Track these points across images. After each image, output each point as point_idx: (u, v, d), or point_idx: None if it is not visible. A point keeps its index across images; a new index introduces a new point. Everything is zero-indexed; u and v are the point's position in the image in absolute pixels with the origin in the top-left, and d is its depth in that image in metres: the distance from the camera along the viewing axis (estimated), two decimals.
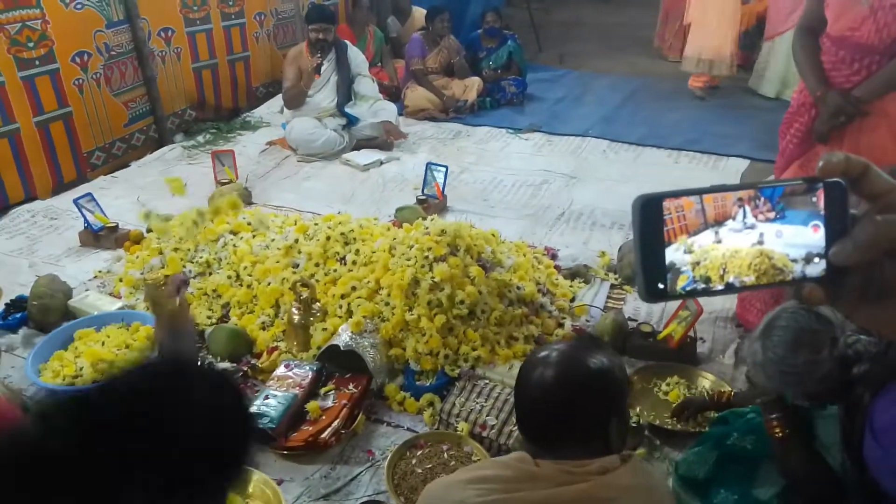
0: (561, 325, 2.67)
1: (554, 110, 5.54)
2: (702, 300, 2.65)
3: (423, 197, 3.72)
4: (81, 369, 2.27)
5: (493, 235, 2.96)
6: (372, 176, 4.28)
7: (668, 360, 2.45)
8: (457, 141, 4.91)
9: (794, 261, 0.59)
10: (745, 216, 0.59)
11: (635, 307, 2.86)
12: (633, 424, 2.09)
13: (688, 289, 0.59)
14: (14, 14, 3.63)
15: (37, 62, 3.79)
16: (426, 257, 2.52)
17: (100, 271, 3.12)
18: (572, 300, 2.86)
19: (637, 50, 7.39)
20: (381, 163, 4.41)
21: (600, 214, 3.71)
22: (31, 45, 3.74)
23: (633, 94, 5.96)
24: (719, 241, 0.58)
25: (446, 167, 3.77)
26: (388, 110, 4.76)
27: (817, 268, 0.58)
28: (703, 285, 0.58)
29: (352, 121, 4.64)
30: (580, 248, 3.34)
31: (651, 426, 2.17)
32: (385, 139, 4.67)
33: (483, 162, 4.51)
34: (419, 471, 2.00)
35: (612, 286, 2.99)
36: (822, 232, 0.58)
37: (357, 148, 4.61)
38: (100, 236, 3.34)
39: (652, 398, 2.32)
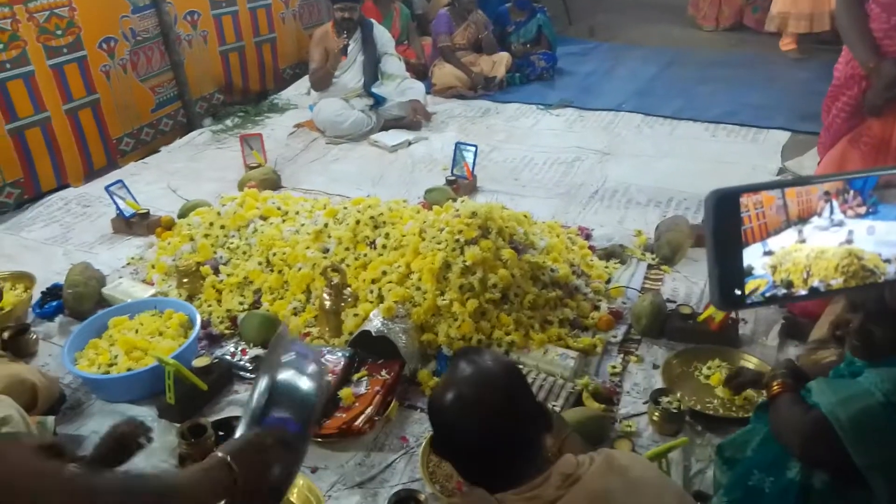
0: (597, 308, 2.60)
1: (585, 84, 5.40)
2: None
3: (453, 177, 3.66)
4: (116, 357, 2.28)
5: (526, 217, 2.90)
6: (400, 157, 4.23)
7: (708, 342, 2.37)
8: (486, 119, 4.82)
9: (888, 261, 0.52)
10: (832, 212, 0.52)
11: (673, 287, 2.78)
12: (674, 410, 2.03)
13: (767, 294, 0.52)
14: (43, 2, 3.64)
15: (65, 50, 3.80)
16: (457, 240, 2.47)
17: (132, 258, 3.14)
18: (608, 282, 2.78)
19: (670, 19, 7.17)
20: (410, 143, 4.36)
21: (635, 191, 3.61)
22: (59, 32, 3.75)
23: (668, 65, 5.79)
24: (803, 241, 0.51)
25: (475, 146, 3.69)
26: (416, 89, 4.68)
27: None
28: (784, 290, 0.51)
29: (379, 101, 4.58)
30: (615, 227, 3.25)
31: (692, 412, 2.10)
32: (413, 118, 4.60)
33: (513, 140, 4.42)
34: None
35: (650, 266, 2.91)
36: None
37: (385, 128, 4.56)
38: (132, 223, 3.35)
39: (693, 382, 2.25)
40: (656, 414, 2.05)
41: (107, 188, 3.36)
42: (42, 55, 3.68)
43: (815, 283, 0.53)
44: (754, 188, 0.52)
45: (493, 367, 1.25)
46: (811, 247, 0.52)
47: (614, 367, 2.34)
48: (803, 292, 0.52)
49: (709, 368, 2.28)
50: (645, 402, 2.15)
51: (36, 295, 2.79)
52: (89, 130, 4.00)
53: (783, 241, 0.52)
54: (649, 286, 2.79)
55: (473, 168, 3.70)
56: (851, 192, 0.52)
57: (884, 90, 2.04)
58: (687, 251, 2.94)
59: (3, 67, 3.51)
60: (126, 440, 1.50)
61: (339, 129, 4.45)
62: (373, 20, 4.72)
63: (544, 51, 5.62)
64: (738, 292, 0.52)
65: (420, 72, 5.45)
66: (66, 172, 3.90)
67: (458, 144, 3.73)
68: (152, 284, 2.84)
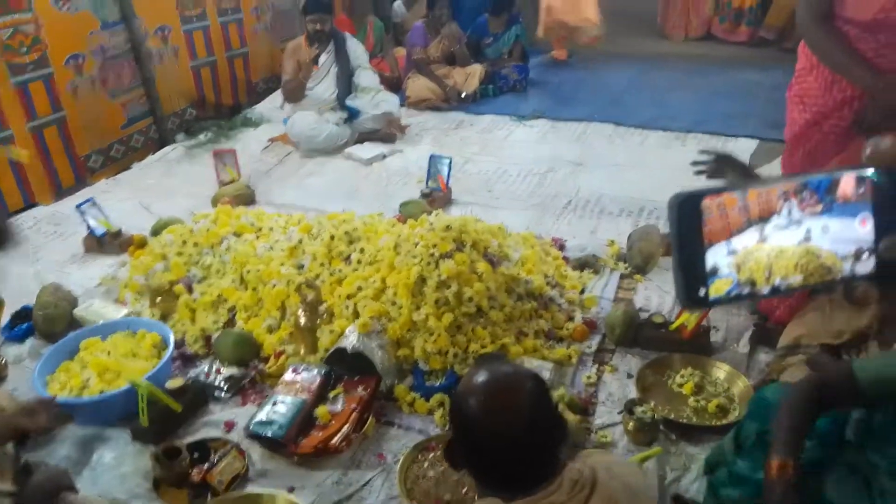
0: (571, 318, 2.63)
1: (557, 95, 5.47)
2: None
3: (428, 190, 3.68)
4: (88, 380, 2.25)
5: (500, 229, 2.92)
6: (375, 170, 4.23)
7: (681, 350, 2.40)
8: (460, 130, 4.86)
9: (844, 258, 0.54)
10: (790, 211, 0.54)
11: (646, 297, 2.81)
12: (648, 420, 2.05)
13: (732, 294, 0.54)
14: (5, 19, 3.59)
15: (30, 67, 3.75)
16: (432, 254, 2.48)
17: (105, 278, 3.10)
18: (582, 292, 2.81)
19: (640, 31, 7.28)
20: (384, 156, 4.37)
21: (608, 201, 3.65)
22: (23, 50, 3.70)
23: (638, 75, 5.88)
24: (764, 240, 0.53)
25: (450, 159, 3.71)
26: (390, 102, 4.70)
27: (867, 265, 0.53)
28: (748, 289, 0.53)
29: (353, 114, 4.59)
30: (588, 237, 3.29)
31: (666, 421, 2.12)
32: (387, 131, 4.62)
33: (487, 151, 4.45)
34: (431, 474, 1.97)
35: (622, 276, 2.94)
36: (870, 225, 0.53)
37: (359, 141, 4.56)
38: (103, 242, 3.31)
39: (666, 391, 2.28)
40: (631, 424, 2.07)
41: (78, 207, 3.32)
42: (6, 73, 3.63)
43: (776, 281, 0.55)
44: (717, 190, 0.54)
45: (520, 373, 1.27)
46: (772, 246, 0.54)
47: (589, 377, 2.36)
48: (766, 290, 0.55)
49: (681, 377, 2.31)
50: (620, 412, 2.17)
51: (5, 317, 2.74)
52: (55, 148, 3.95)
53: (746, 241, 0.54)
54: (622, 296, 2.82)
55: (448, 180, 3.72)
56: (809, 191, 0.54)
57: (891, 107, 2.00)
58: (658, 260, 2.97)
59: None
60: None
61: (313, 142, 4.44)
62: (346, 33, 4.73)
63: (516, 63, 5.68)
64: (702, 292, 0.54)
65: (394, 84, 5.48)
66: (32, 191, 3.85)
67: (432, 157, 3.75)
68: (125, 304, 2.81)
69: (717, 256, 0.51)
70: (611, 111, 4.99)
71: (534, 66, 5.89)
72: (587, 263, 2.98)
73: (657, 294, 2.82)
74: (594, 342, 2.53)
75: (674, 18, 6.98)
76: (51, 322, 2.65)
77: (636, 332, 2.50)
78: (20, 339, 2.67)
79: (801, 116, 2.27)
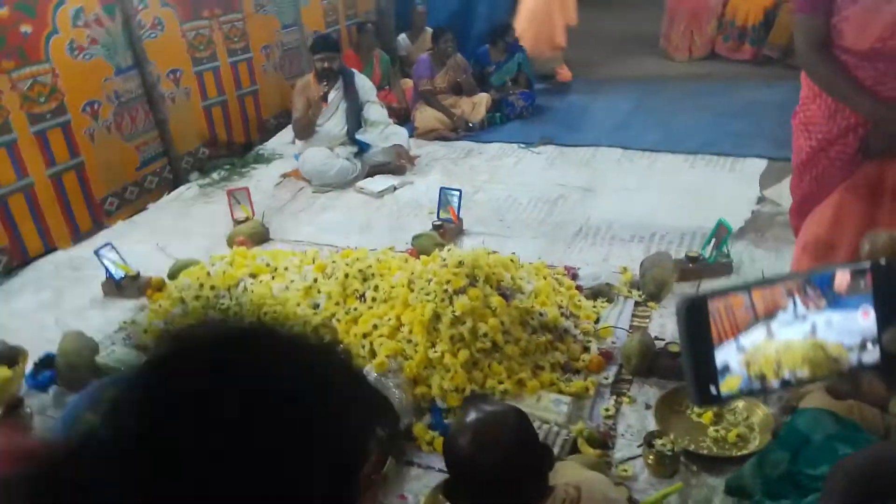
0: (587, 350, 2.63)
1: (565, 121, 5.51)
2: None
3: (439, 222, 3.71)
4: None
5: (512, 260, 2.93)
6: (387, 203, 4.28)
7: None
8: (469, 159, 4.90)
9: (850, 349, 0.56)
10: (795, 307, 0.56)
11: (661, 324, 2.82)
12: (668, 452, 2.05)
13: (744, 389, 0.56)
14: (25, 71, 3.69)
15: (48, 116, 3.84)
16: (445, 290, 2.51)
17: (124, 322, 3.14)
18: (596, 321, 2.82)
19: (643, 52, 7.35)
20: (395, 188, 4.41)
21: (619, 227, 3.67)
22: (42, 99, 3.80)
23: (644, 98, 5.92)
24: (771, 336, 0.55)
25: (460, 191, 3.75)
26: (399, 134, 4.76)
27: (873, 354, 0.55)
28: (758, 384, 0.55)
29: (363, 148, 4.65)
30: (600, 264, 3.30)
31: (686, 452, 2.12)
32: (397, 163, 4.67)
33: (496, 180, 4.49)
34: None
35: (636, 303, 2.95)
36: (872, 316, 0.55)
37: (370, 174, 4.62)
38: (122, 286, 3.36)
39: (685, 421, 2.28)
40: (651, 457, 2.07)
41: (96, 252, 3.38)
42: (25, 122, 3.72)
43: (785, 374, 0.57)
44: (722, 292, 0.56)
45: (503, 410, 1.44)
46: (779, 341, 0.56)
47: (607, 409, 2.37)
48: (776, 384, 0.57)
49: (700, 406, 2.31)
50: (639, 445, 2.17)
51: (28, 366, 2.79)
52: (73, 193, 4.03)
53: (754, 338, 0.56)
54: (637, 324, 2.83)
55: (459, 211, 3.75)
56: (812, 287, 0.56)
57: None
58: (672, 287, 2.98)
59: None
60: None
61: (325, 177, 4.50)
62: (354, 70, 4.81)
63: (523, 90, 5.74)
64: (713, 390, 0.57)
65: (402, 116, 5.55)
66: (51, 236, 3.92)
67: (442, 189, 3.79)
68: (145, 350, 2.85)
69: (726, 354, 0.54)
70: (618, 135, 5.02)
71: (539, 93, 5.95)
72: (601, 292, 2.99)
73: (672, 321, 2.82)
74: (611, 373, 2.53)
75: (677, 39, 7.03)
76: (74, 370, 2.69)
77: (652, 362, 2.50)
78: (44, 387, 2.71)
79: (806, 143, 2.28)
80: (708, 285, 3.02)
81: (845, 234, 2.25)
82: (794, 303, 0.56)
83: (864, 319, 0.56)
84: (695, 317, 0.55)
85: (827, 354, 0.56)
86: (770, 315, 0.55)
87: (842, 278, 0.56)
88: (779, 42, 6.45)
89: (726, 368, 0.55)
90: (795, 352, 0.55)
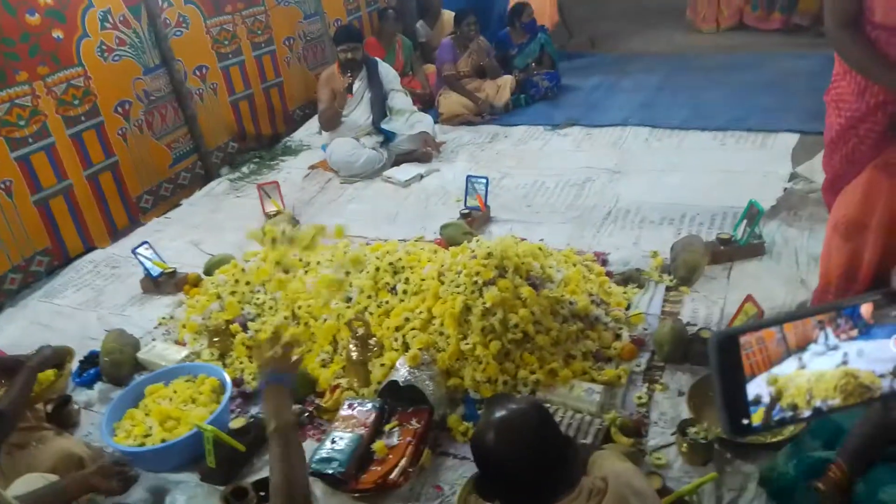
0: (618, 337, 2.64)
1: (590, 101, 5.45)
2: (763, 294, 2.58)
3: (467, 210, 3.72)
4: (150, 428, 2.35)
5: (541, 249, 2.94)
6: (414, 191, 4.30)
7: None
8: (495, 144, 4.89)
9: (882, 376, 0.57)
10: (826, 338, 0.57)
11: (693, 309, 2.80)
12: (702, 440, 2.05)
13: (776, 419, 0.57)
14: (59, 75, 3.78)
15: (83, 118, 3.93)
16: (475, 282, 2.53)
17: (163, 318, 3.23)
18: (627, 308, 2.82)
19: (669, 24, 7.20)
20: (422, 177, 4.43)
21: (648, 210, 3.64)
22: (76, 102, 3.88)
23: (671, 73, 5.82)
24: (803, 367, 0.56)
25: (486, 178, 3.75)
26: (425, 122, 4.76)
27: None
28: (790, 413, 0.57)
29: (389, 137, 4.67)
30: (630, 249, 3.29)
31: (720, 440, 2.12)
32: (423, 150, 4.68)
33: (523, 164, 4.47)
34: None
35: (668, 288, 2.94)
36: None
37: (397, 163, 4.64)
38: (159, 282, 3.45)
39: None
40: (685, 445, 2.08)
41: (133, 251, 3.47)
42: (62, 126, 3.82)
43: (817, 403, 0.58)
44: (754, 327, 0.57)
45: (524, 408, 1.46)
46: (811, 371, 0.57)
47: (640, 397, 2.38)
48: (807, 413, 0.58)
49: None
50: (673, 433, 2.18)
51: (74, 364, 2.89)
52: (109, 192, 4.13)
53: (786, 369, 0.57)
54: (669, 309, 2.82)
55: (486, 199, 3.76)
56: (843, 318, 0.57)
57: None
58: (704, 270, 2.96)
59: (25, 142, 3.64)
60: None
61: (352, 168, 4.54)
62: (377, 59, 4.81)
63: (547, 70, 5.68)
64: (745, 421, 0.58)
65: (426, 101, 5.55)
66: (90, 236, 4.03)
67: (469, 177, 3.79)
68: (184, 345, 2.93)
69: (758, 386, 0.55)
70: (645, 114, 4.95)
71: (565, 71, 5.89)
72: (631, 278, 2.99)
73: (704, 306, 2.81)
74: (643, 360, 2.53)
75: (704, 10, 6.89)
76: (117, 367, 2.79)
77: (685, 348, 2.50)
78: (89, 384, 2.82)
79: (836, 121, 2.26)
80: (740, 267, 2.99)
81: (875, 212, 2.22)
82: (826, 334, 0.56)
83: (895, 347, 0.57)
84: (727, 350, 0.56)
85: (859, 382, 0.57)
86: (801, 347, 0.56)
87: (874, 308, 0.57)
88: (809, 10, 6.27)
89: (758, 400, 0.56)
90: (827, 381, 0.56)
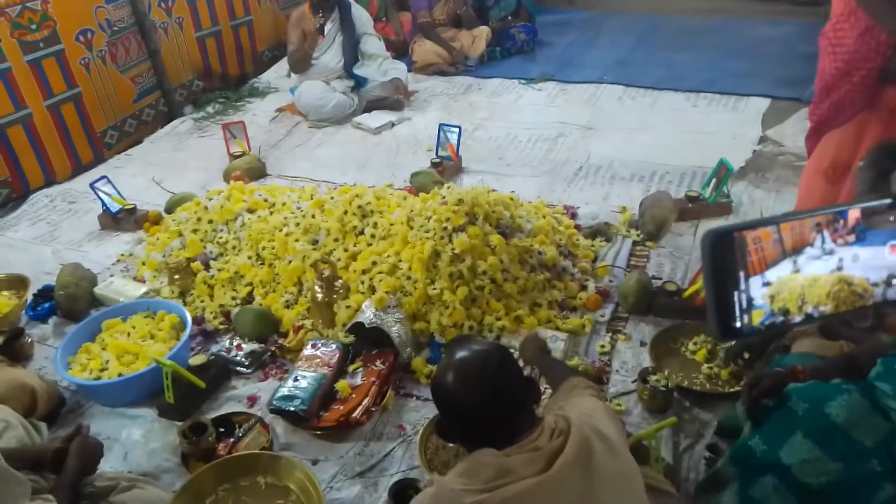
0: (584, 288, 2.65)
1: (566, 56, 5.39)
2: None
3: (438, 160, 3.67)
4: (107, 362, 2.30)
5: (512, 199, 2.91)
6: (385, 139, 4.22)
7: (694, 318, 2.42)
8: (468, 95, 4.81)
9: (875, 284, 0.56)
10: (823, 241, 0.55)
11: (658, 264, 2.83)
12: (662, 388, 2.09)
13: (766, 323, 0.56)
14: None
15: (41, 44, 3.74)
16: (445, 228, 2.50)
17: (122, 255, 3.14)
18: (594, 260, 2.83)
19: None
20: (393, 124, 4.35)
21: (619, 166, 3.64)
22: (33, 27, 3.69)
23: (647, 33, 5.77)
24: (797, 271, 0.55)
25: (459, 127, 3.70)
26: (398, 69, 4.66)
27: None
28: (781, 318, 0.55)
29: (360, 82, 4.56)
30: (600, 204, 3.29)
31: (680, 388, 2.16)
32: (395, 98, 4.59)
33: (496, 117, 4.42)
34: (451, 444, 2.02)
35: (635, 243, 2.95)
36: None
37: (367, 109, 4.54)
38: (119, 219, 3.35)
39: (679, 358, 2.32)
40: (645, 392, 2.11)
41: (91, 185, 3.35)
42: (18, 51, 3.62)
43: (809, 309, 0.57)
44: (751, 225, 0.55)
45: (485, 349, 1.45)
46: (805, 276, 0.56)
47: (603, 346, 2.40)
48: (799, 319, 0.57)
49: (694, 344, 2.35)
50: (634, 381, 2.21)
51: (28, 296, 2.80)
52: (73, 125, 3.97)
53: (780, 272, 0.55)
54: (635, 263, 2.84)
55: (458, 149, 3.71)
56: (841, 221, 0.55)
57: None
58: (671, 226, 2.99)
59: None
60: None
61: (321, 112, 4.43)
62: (350, 0, 4.67)
63: (524, 23, 5.59)
64: (736, 324, 0.56)
65: (400, 48, 5.41)
66: (53, 169, 3.88)
67: (441, 126, 3.74)
68: (143, 282, 2.86)
69: (751, 288, 0.53)
70: (621, 72, 4.92)
71: (542, 26, 5.80)
72: (599, 231, 2.99)
73: (670, 261, 2.84)
74: (608, 311, 2.56)
75: None
76: (72, 301, 2.71)
77: (649, 301, 2.53)
78: (43, 318, 2.74)
79: (831, 65, 2.27)
80: (707, 225, 3.02)
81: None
82: (823, 238, 0.55)
83: (891, 255, 0.55)
84: (720, 250, 0.54)
85: (852, 290, 0.56)
86: (798, 250, 0.55)
87: (873, 213, 0.55)
88: None
89: (750, 302, 0.55)
90: (821, 287, 0.55)
